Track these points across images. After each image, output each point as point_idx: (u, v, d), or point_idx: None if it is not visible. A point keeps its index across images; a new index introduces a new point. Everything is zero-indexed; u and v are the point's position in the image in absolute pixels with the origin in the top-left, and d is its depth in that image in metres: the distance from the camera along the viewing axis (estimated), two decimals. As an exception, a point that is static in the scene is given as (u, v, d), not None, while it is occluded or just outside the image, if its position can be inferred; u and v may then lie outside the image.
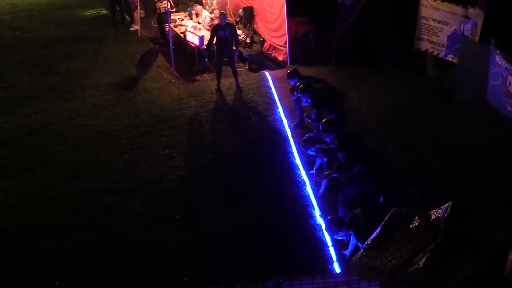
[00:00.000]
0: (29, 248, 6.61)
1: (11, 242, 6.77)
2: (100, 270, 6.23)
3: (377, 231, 4.76)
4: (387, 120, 9.72)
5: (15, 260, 6.43)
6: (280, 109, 10.28)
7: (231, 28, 11.17)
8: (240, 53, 12.49)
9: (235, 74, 11.46)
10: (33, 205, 7.53)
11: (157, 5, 14.06)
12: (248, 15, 14.00)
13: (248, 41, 13.26)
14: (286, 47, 12.67)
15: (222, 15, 11.31)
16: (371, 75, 11.69)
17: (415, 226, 4.62)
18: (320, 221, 6.90)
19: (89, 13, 17.83)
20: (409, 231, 4.60)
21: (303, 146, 7.79)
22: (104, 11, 17.56)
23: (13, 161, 8.68)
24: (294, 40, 12.66)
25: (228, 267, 6.15)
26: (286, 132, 9.42)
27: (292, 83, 9.32)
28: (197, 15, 14.42)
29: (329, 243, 6.47)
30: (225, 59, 11.34)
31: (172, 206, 7.41)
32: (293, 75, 9.36)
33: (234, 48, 11.35)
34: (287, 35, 12.46)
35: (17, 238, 6.84)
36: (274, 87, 11.35)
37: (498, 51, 8.73)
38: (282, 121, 9.83)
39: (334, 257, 6.27)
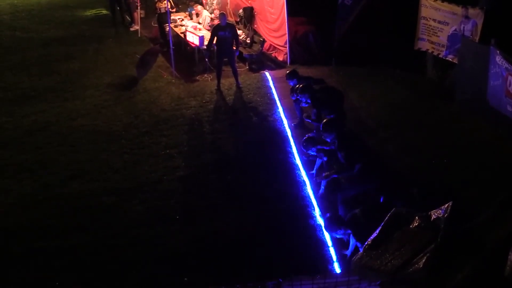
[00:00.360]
0: (29, 248, 6.61)
1: (11, 242, 6.77)
2: (100, 270, 6.22)
3: (377, 231, 4.75)
4: (387, 120, 9.72)
5: (15, 260, 6.43)
6: (280, 109, 10.28)
7: (232, 28, 11.17)
8: (240, 53, 12.50)
9: (235, 74, 11.46)
10: (33, 205, 7.53)
11: (157, 5, 14.05)
12: (248, 15, 14.01)
13: (248, 41, 13.26)
14: (286, 47, 12.67)
15: (222, 16, 11.32)
16: (371, 75, 11.69)
17: (415, 226, 4.61)
18: (320, 221, 6.90)
19: (89, 13, 17.84)
20: (409, 231, 4.58)
21: (303, 147, 7.78)
22: (104, 11, 17.58)
23: (13, 161, 8.68)
24: (294, 40, 12.66)
25: (228, 267, 6.15)
26: (286, 132, 9.42)
27: (291, 84, 9.31)
28: (197, 15, 14.42)
29: (329, 243, 6.47)
30: (225, 59, 11.35)
31: (172, 206, 7.41)
32: (292, 76, 9.36)
33: (234, 48, 11.35)
34: (287, 35, 12.46)
35: (17, 238, 6.84)
36: (274, 87, 11.35)
37: (498, 51, 8.73)
38: (282, 121, 9.83)
39: (334, 257, 6.27)
